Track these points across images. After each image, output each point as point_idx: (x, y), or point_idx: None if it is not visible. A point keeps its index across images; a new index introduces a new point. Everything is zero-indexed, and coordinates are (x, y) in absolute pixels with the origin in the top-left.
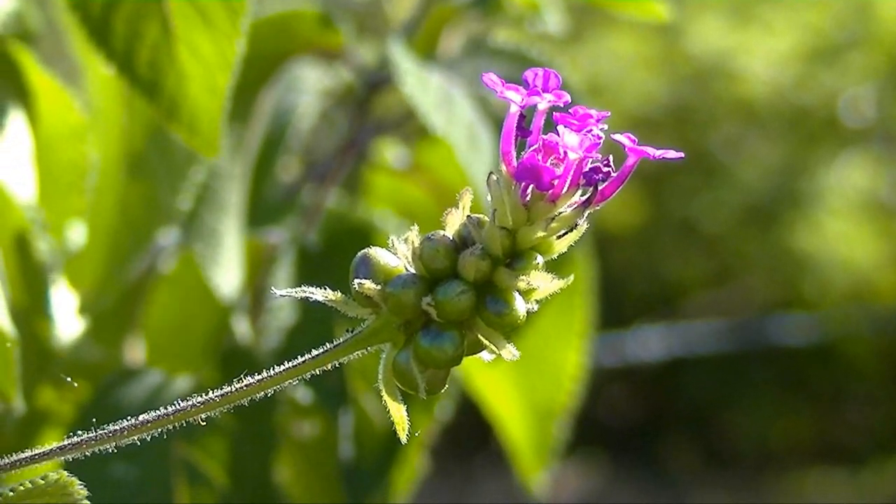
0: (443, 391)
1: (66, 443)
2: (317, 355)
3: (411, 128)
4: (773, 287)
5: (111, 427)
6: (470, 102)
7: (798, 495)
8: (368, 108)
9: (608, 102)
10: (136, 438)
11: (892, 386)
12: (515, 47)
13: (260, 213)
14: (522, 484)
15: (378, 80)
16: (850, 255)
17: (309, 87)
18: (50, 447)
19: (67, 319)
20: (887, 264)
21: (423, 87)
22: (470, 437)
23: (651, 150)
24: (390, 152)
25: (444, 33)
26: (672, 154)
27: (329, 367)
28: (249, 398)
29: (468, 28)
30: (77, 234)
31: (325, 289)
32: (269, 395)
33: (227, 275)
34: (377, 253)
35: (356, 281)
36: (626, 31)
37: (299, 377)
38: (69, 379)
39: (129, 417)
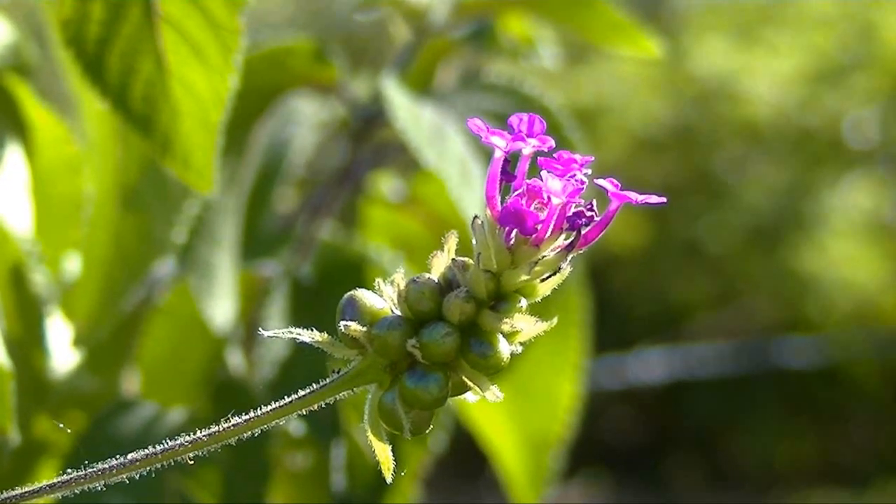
0: (427, 431)
1: (56, 480)
2: (303, 395)
3: (407, 160)
4: (776, 308)
5: (101, 465)
6: (462, 138)
7: None
8: (364, 140)
9: (611, 125)
10: (125, 476)
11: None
12: (508, 82)
13: (255, 245)
14: None
15: (371, 114)
16: (854, 276)
17: (304, 119)
18: (40, 485)
19: (63, 351)
20: (891, 286)
21: (415, 122)
22: (469, 460)
23: (634, 196)
24: (386, 184)
25: (439, 66)
26: (654, 199)
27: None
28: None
29: (463, 61)
30: (72, 266)
31: (314, 327)
32: (259, 432)
33: (222, 307)
34: (363, 295)
35: (342, 323)
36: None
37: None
38: (61, 425)
39: (119, 454)
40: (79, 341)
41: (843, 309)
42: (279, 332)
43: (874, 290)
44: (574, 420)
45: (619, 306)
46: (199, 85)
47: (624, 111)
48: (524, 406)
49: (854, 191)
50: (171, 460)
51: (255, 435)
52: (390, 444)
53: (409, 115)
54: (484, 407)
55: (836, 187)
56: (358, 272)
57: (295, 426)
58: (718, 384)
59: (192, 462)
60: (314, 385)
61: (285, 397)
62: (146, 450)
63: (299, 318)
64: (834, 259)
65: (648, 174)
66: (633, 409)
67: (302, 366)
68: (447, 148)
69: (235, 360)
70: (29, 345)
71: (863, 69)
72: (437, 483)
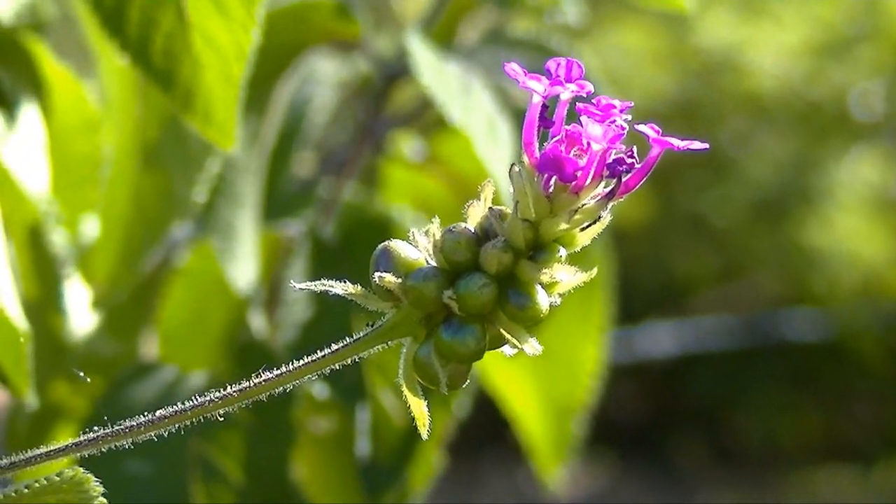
0: (463, 385)
1: (81, 439)
2: (336, 350)
3: (428, 119)
4: (782, 283)
5: (127, 423)
6: (489, 93)
7: (807, 493)
8: (385, 99)
9: (615, 97)
10: (151, 434)
11: None
12: (534, 37)
13: (276, 205)
14: (537, 480)
15: (395, 71)
16: (860, 250)
17: (325, 78)
18: (65, 443)
19: (81, 313)
20: None
21: (440, 77)
22: (478, 434)
23: (675, 141)
24: (407, 144)
25: (461, 24)
26: (697, 145)
27: (347, 363)
28: (266, 393)
29: (486, 19)
30: (91, 227)
31: (343, 282)
32: (286, 390)
33: (243, 268)
34: (398, 245)
35: (377, 274)
36: (633, 25)
37: (316, 372)
38: (82, 374)
39: (143, 413)
40: (97, 303)
41: (849, 284)
42: (310, 284)
43: (880, 265)
44: (597, 386)
45: (623, 281)
46: (221, 38)
47: (627, 84)
48: (548, 370)
49: (860, 164)
50: (195, 420)
51: (280, 393)
52: (424, 399)
53: (435, 70)
54: (507, 370)
55: (841, 161)
56: (381, 232)
57: (319, 389)
58: (722, 359)
59: (221, 419)
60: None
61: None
62: (173, 406)
63: (323, 278)
64: (840, 233)
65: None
66: (637, 384)
67: (326, 328)
68: (473, 103)
69: (257, 322)
70: (46, 307)
71: (869, 41)
72: (458, 449)
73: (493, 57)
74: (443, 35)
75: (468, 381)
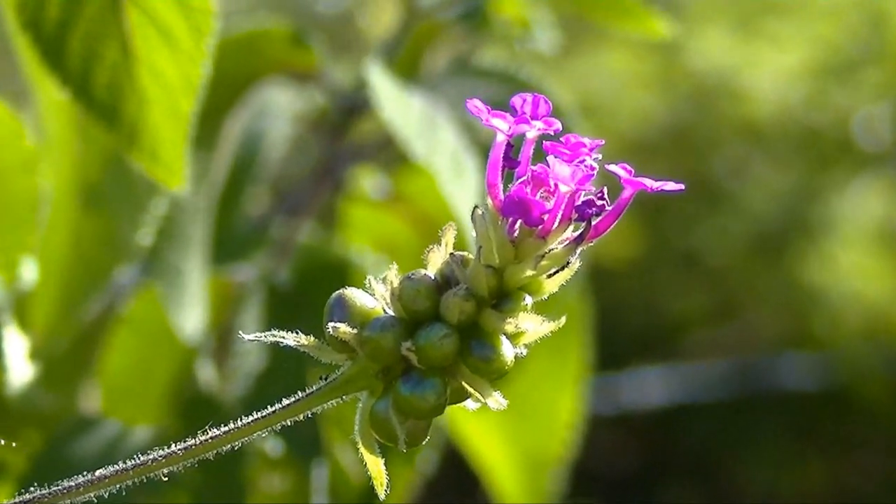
0: (423, 443)
1: (16, 501)
2: (288, 405)
3: (391, 154)
4: (781, 324)
5: (66, 483)
6: (454, 128)
7: None
8: (344, 132)
9: (600, 124)
10: (92, 495)
11: None
12: (503, 68)
13: (227, 248)
14: None
15: (355, 104)
16: (865, 289)
17: (280, 111)
18: None
19: (18, 364)
20: None
21: (403, 111)
22: (446, 491)
23: (649, 182)
24: (368, 181)
25: (427, 51)
26: (671, 186)
27: (301, 417)
28: (215, 451)
29: (453, 46)
30: (28, 272)
31: (296, 332)
32: (237, 446)
33: (191, 315)
34: (353, 294)
35: (331, 324)
36: (620, 45)
37: (269, 428)
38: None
39: (84, 472)
40: (35, 353)
41: (853, 324)
42: (260, 336)
43: (887, 304)
44: (574, 438)
45: (609, 323)
46: (169, 71)
47: (613, 110)
48: (520, 421)
49: (865, 195)
50: (139, 480)
51: (231, 450)
52: (382, 456)
53: (397, 103)
54: (477, 422)
55: (845, 192)
56: (340, 276)
57: (273, 444)
58: (717, 406)
59: (165, 479)
60: (293, 398)
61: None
62: (115, 466)
63: (277, 326)
64: (843, 270)
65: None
66: (625, 433)
67: (279, 379)
68: (438, 139)
69: (206, 373)
70: None
71: (874, 63)
72: None
73: (460, 89)
74: (406, 64)
75: (428, 437)
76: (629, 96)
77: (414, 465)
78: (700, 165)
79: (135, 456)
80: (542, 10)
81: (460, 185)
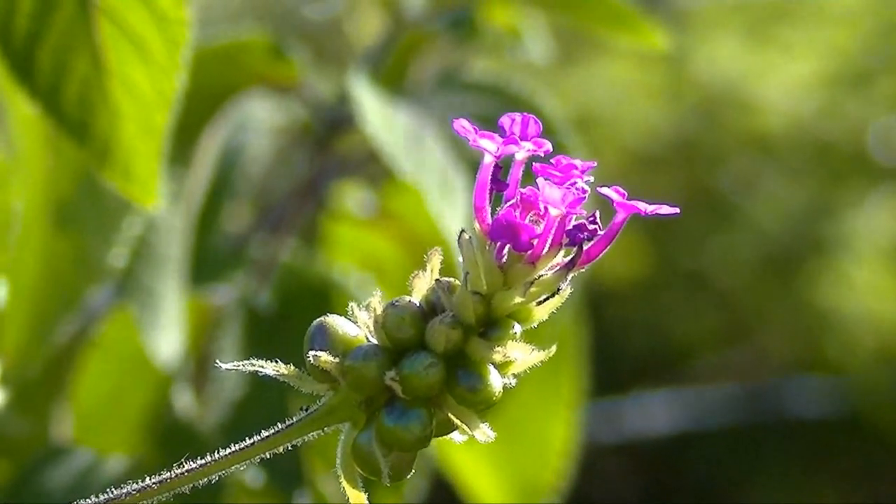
0: (409, 476)
1: None
2: (267, 436)
3: (378, 169)
4: (792, 347)
5: None
6: (442, 144)
7: None
8: (328, 147)
9: (602, 136)
10: None
11: None
12: (493, 81)
13: (205, 268)
14: None
15: (338, 118)
16: (881, 309)
17: (260, 125)
18: None
19: None
20: None
21: (388, 126)
22: None
23: (643, 205)
24: (353, 197)
25: (414, 62)
26: (666, 210)
27: (282, 449)
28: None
29: (441, 56)
30: None
31: (276, 360)
32: (211, 481)
33: (167, 340)
34: (335, 321)
35: (311, 353)
36: (622, 54)
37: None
38: None
39: None
40: (5, 378)
41: (868, 347)
42: (238, 364)
43: None
44: (568, 467)
45: (612, 346)
46: (142, 84)
47: (616, 121)
48: (512, 451)
49: (881, 211)
50: None
51: (209, 483)
52: (365, 491)
53: (382, 118)
54: (466, 450)
55: (859, 207)
56: (323, 298)
57: (253, 475)
58: (725, 433)
59: None
60: (274, 428)
61: (240, 442)
62: (86, 500)
63: (257, 351)
64: (857, 290)
65: (645, 194)
66: (629, 461)
67: (260, 407)
68: (425, 156)
69: (184, 400)
70: None
71: (890, 72)
72: None
73: (448, 103)
74: (392, 75)
75: (413, 470)
76: (632, 107)
77: (401, 494)
78: (707, 180)
79: (108, 489)
80: (534, 19)
81: (449, 203)
